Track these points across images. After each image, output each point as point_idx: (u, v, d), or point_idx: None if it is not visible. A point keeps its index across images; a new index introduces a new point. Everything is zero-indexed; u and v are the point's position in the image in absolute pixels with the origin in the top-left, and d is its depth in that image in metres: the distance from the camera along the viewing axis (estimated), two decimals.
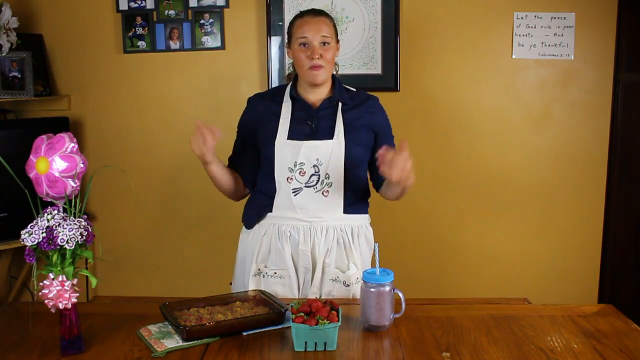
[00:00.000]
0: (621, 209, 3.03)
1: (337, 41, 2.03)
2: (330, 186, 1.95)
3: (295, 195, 1.95)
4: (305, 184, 1.95)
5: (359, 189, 2.04)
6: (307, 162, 1.94)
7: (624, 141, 3.00)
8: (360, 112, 2.01)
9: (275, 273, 1.96)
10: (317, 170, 1.94)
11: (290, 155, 1.94)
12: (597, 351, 1.46)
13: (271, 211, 1.99)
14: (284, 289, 1.95)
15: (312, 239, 1.96)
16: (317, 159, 1.93)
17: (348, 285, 1.95)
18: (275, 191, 1.98)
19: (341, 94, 2.01)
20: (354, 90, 2.08)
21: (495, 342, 1.51)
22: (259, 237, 2.01)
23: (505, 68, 3.02)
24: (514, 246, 3.14)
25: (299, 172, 1.94)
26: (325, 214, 1.96)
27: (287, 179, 1.95)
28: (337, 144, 1.94)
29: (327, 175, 1.94)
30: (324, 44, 1.95)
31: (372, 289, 1.56)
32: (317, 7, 2.36)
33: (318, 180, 1.94)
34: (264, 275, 1.98)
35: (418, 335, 1.55)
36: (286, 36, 2.07)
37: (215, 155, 1.92)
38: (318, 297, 1.90)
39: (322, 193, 1.96)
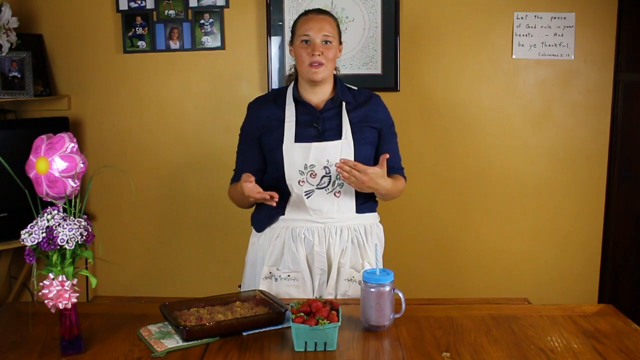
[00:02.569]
0: (621, 209, 3.03)
1: (340, 42, 2.03)
2: (342, 186, 1.95)
3: (307, 197, 1.95)
4: (317, 185, 1.94)
5: None
6: (317, 164, 1.93)
7: (624, 141, 3.00)
8: (364, 111, 2.01)
9: (289, 275, 1.96)
10: (328, 172, 1.94)
11: (300, 157, 1.93)
12: (597, 351, 1.45)
13: (283, 214, 1.99)
14: (297, 290, 1.94)
15: (327, 240, 1.96)
16: (327, 160, 1.93)
17: None
18: (286, 194, 1.97)
19: (344, 94, 2.01)
20: (356, 88, 2.08)
21: (495, 342, 1.51)
22: (271, 240, 2.00)
23: (505, 68, 3.02)
24: (514, 246, 3.13)
25: (310, 175, 1.94)
26: (339, 215, 1.97)
27: (299, 182, 1.94)
28: (346, 144, 1.94)
29: (338, 176, 1.93)
30: (326, 42, 1.95)
31: (372, 289, 1.56)
32: (317, 7, 2.36)
33: (330, 182, 1.94)
34: (276, 278, 1.97)
35: (418, 335, 1.55)
36: (288, 35, 2.07)
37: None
38: (334, 298, 1.90)
39: (334, 194, 1.96)
